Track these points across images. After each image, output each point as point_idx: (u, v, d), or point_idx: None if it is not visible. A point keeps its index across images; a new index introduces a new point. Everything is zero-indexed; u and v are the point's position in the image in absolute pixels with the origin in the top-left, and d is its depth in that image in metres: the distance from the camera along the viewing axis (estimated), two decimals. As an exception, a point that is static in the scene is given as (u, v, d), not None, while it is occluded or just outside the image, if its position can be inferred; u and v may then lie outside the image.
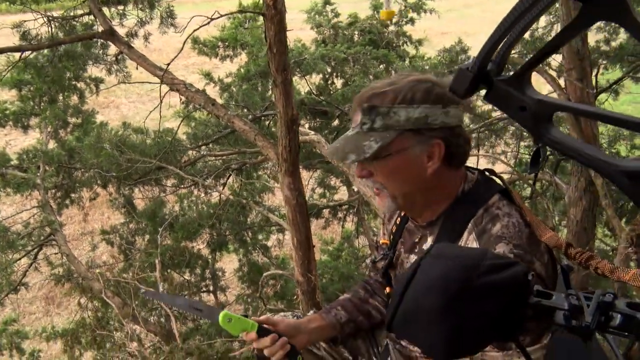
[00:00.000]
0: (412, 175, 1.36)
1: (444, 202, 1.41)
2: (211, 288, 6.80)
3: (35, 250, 6.25)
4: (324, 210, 7.13)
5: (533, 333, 1.25)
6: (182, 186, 6.45)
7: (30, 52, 4.72)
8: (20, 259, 6.09)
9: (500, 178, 1.43)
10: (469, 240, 1.32)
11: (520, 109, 0.80)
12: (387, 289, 1.60)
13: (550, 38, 0.81)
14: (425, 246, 1.44)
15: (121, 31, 4.78)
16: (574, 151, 0.80)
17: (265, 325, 1.53)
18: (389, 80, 1.36)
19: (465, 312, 0.87)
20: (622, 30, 5.10)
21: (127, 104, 14.07)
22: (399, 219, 1.60)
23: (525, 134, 5.44)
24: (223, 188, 6.18)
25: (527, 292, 0.88)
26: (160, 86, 3.53)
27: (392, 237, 1.61)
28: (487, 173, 1.45)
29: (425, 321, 0.89)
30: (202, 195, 6.65)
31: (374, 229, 7.59)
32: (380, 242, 1.71)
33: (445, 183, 1.39)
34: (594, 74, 4.08)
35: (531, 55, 0.80)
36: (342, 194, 7.91)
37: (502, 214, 1.32)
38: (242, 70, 5.74)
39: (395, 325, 0.95)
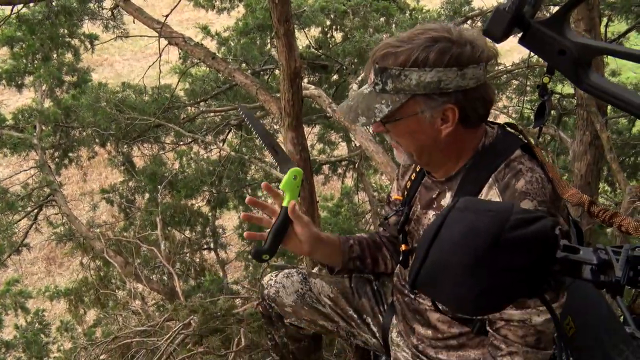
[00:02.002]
0: (425, 137, 1.33)
1: (463, 157, 1.38)
2: (212, 245, 6.82)
3: (35, 211, 6.23)
4: (324, 166, 7.10)
5: (552, 292, 1.24)
6: (182, 143, 6.40)
7: (22, 6, 4.57)
8: (20, 220, 6.08)
9: (522, 133, 1.39)
10: (491, 195, 1.29)
11: (559, 53, 0.76)
12: (403, 247, 1.57)
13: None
14: (444, 202, 1.42)
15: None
16: (614, 96, 0.76)
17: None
18: (406, 34, 1.29)
19: (495, 267, 0.85)
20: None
21: (121, 61, 13.83)
22: (414, 174, 1.57)
23: (529, 88, 5.37)
24: (223, 144, 6.13)
25: (554, 246, 0.86)
26: (158, 40, 3.43)
27: (406, 192, 1.58)
28: (507, 127, 1.42)
29: (453, 276, 0.87)
30: (202, 152, 6.61)
31: (374, 184, 7.59)
32: (393, 197, 1.68)
33: (463, 141, 1.36)
34: (602, 24, 3.99)
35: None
36: (342, 150, 7.87)
37: (524, 168, 1.28)
38: (240, 23, 5.60)
39: (420, 281, 0.92)
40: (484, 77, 1.29)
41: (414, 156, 1.37)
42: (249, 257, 6.78)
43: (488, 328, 1.33)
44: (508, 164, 1.30)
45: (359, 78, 4.85)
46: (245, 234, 1.56)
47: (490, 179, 1.31)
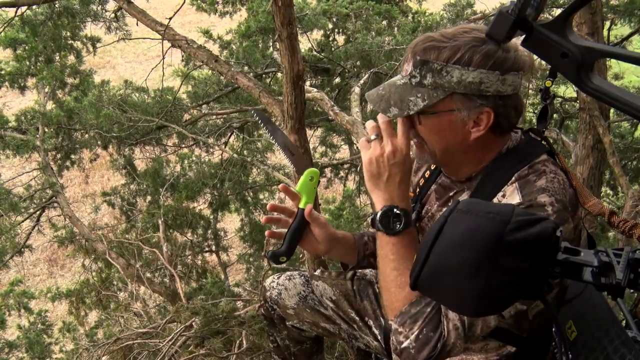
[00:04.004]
0: (453, 137, 1.30)
1: (484, 160, 1.36)
2: (213, 248, 6.83)
3: (38, 212, 6.24)
4: (326, 169, 7.09)
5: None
6: (183, 145, 6.40)
7: (26, 8, 4.58)
8: (22, 221, 6.08)
9: (546, 140, 1.37)
10: (508, 190, 1.28)
11: (562, 56, 0.76)
12: None
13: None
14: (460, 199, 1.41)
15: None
16: (616, 99, 0.77)
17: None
18: (450, 31, 1.27)
19: (496, 269, 0.85)
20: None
21: (123, 64, 13.88)
22: (428, 172, 1.56)
23: (531, 91, 5.37)
24: (225, 147, 6.14)
25: (556, 248, 0.86)
26: (162, 43, 3.45)
27: (419, 190, 1.57)
28: (531, 133, 1.40)
29: (454, 278, 0.88)
30: (204, 154, 6.62)
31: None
32: None
33: (488, 147, 1.34)
34: (605, 28, 3.98)
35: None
36: (344, 153, 7.87)
37: (548, 170, 1.27)
38: (242, 27, 5.61)
39: (421, 282, 0.93)
40: (520, 85, 1.28)
41: (437, 155, 1.34)
42: (250, 259, 6.78)
43: None
44: (532, 166, 1.29)
45: (361, 81, 4.85)
46: (267, 232, 1.56)
47: (513, 178, 1.29)
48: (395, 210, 1.29)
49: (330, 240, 1.53)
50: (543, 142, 1.38)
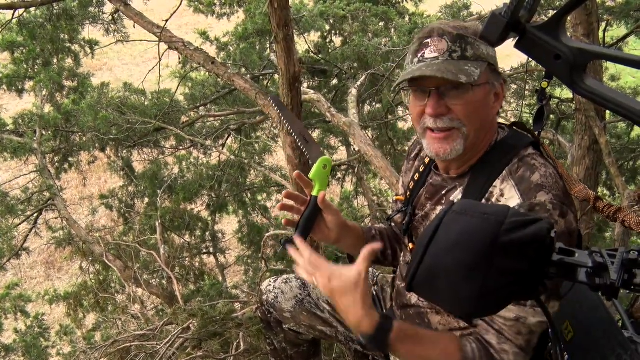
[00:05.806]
0: (486, 112, 1.36)
1: (478, 152, 1.39)
2: (211, 250, 6.83)
3: (35, 215, 6.23)
4: (324, 170, 7.05)
5: (550, 289, 1.24)
6: (181, 147, 6.40)
7: (23, 10, 4.58)
8: (20, 224, 6.08)
9: (530, 132, 1.42)
10: (504, 188, 1.30)
11: (555, 58, 0.76)
12: (411, 245, 1.57)
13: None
14: (454, 197, 1.42)
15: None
16: (610, 101, 0.77)
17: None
18: (453, 21, 1.36)
19: (491, 269, 0.85)
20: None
21: (120, 66, 13.87)
22: (417, 174, 1.57)
23: (527, 92, 5.38)
24: (222, 149, 6.14)
25: (550, 248, 0.86)
26: (158, 45, 3.45)
27: (409, 192, 1.58)
28: (515, 127, 1.45)
29: (450, 279, 0.87)
30: (202, 156, 6.62)
31: (373, 189, 7.58)
32: (395, 197, 1.68)
33: (492, 129, 1.40)
34: (600, 29, 3.99)
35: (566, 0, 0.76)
36: (342, 154, 7.87)
37: (538, 164, 1.30)
38: (239, 29, 5.61)
39: (416, 283, 0.93)
40: None
41: (470, 138, 1.34)
42: (249, 261, 6.78)
43: (480, 320, 1.32)
44: (521, 159, 1.32)
45: (358, 83, 4.85)
46: (284, 221, 1.56)
47: (504, 172, 1.32)
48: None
49: (341, 229, 1.54)
50: (528, 134, 1.42)
